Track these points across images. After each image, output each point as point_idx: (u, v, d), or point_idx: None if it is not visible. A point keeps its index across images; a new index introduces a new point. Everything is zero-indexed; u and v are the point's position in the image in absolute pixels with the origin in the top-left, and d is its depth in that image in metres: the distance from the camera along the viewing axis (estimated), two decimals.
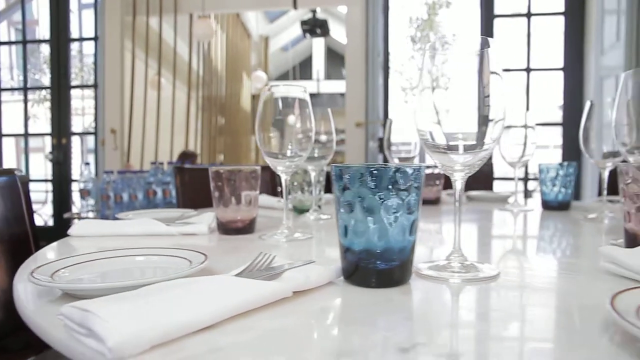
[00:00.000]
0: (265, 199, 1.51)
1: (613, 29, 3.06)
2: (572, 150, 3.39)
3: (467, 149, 0.59)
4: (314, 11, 6.06)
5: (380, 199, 0.51)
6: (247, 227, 0.99)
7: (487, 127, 0.58)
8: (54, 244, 0.87)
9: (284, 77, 10.79)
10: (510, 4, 3.70)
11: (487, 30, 3.43)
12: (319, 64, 10.74)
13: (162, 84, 5.63)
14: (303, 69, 10.82)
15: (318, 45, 10.63)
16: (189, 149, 5.40)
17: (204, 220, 1.04)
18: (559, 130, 3.59)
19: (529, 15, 3.43)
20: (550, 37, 3.64)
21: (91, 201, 3.07)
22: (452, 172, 0.60)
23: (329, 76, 10.41)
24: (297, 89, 0.90)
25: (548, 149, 4.63)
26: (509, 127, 1.50)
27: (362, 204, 0.52)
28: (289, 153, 0.91)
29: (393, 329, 0.40)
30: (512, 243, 0.93)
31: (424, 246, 0.87)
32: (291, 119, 0.89)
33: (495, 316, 0.45)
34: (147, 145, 5.41)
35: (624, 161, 0.96)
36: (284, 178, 0.92)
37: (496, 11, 3.43)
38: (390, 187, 0.51)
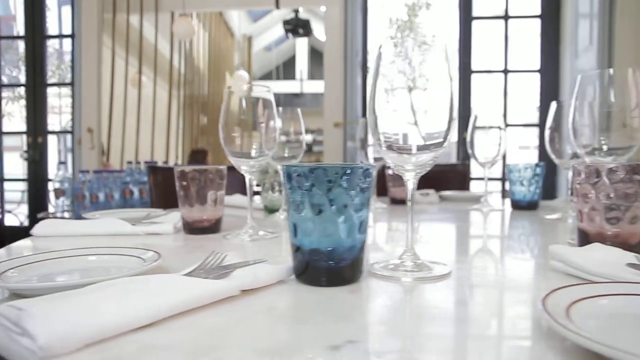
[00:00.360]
0: (238, 199, 1.51)
1: (586, 32, 3.12)
2: (559, 152, 3.44)
3: (423, 148, 0.60)
4: (296, 11, 6.05)
5: (328, 198, 0.51)
6: (212, 227, 0.98)
7: (450, 127, 0.59)
8: (13, 244, 0.86)
9: (267, 76, 10.76)
10: (488, 6, 3.74)
11: (465, 32, 3.46)
12: (302, 64, 10.74)
13: (143, 82, 5.57)
14: (287, 69, 10.80)
15: (301, 45, 10.62)
16: (199, 146, 5.36)
17: (170, 220, 1.03)
18: (536, 131, 3.65)
19: (506, 17, 3.48)
20: (527, 40, 3.69)
21: (67, 201, 3.03)
22: (404, 172, 0.60)
23: (312, 76, 10.41)
24: (262, 89, 0.90)
25: (529, 149, 4.70)
26: (482, 127, 1.52)
27: (310, 203, 0.52)
28: (253, 153, 0.91)
29: (329, 327, 0.41)
30: (472, 242, 0.94)
31: (390, 245, 0.88)
32: (255, 118, 0.89)
33: (433, 314, 0.46)
34: (127, 145, 5.35)
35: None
36: (248, 178, 0.92)
37: (474, 13, 3.47)
38: (338, 186, 0.51)
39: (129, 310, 0.40)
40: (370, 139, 1.56)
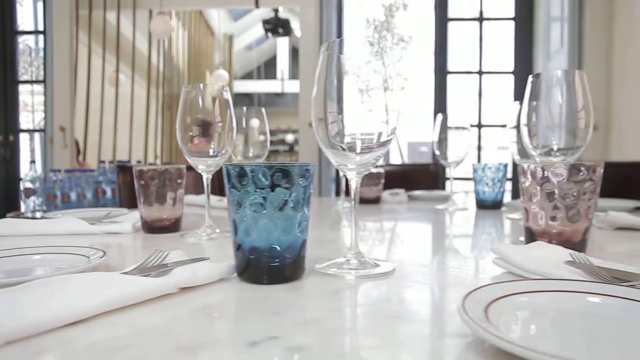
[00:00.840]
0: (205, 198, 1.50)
1: (558, 35, 3.18)
2: (525, 151, 3.50)
3: (366, 148, 0.60)
4: (276, 10, 6.04)
5: (266, 197, 0.52)
6: (171, 226, 0.98)
7: (386, 130, 0.60)
8: None
9: (248, 76, 10.71)
10: (463, 8, 3.78)
11: (441, 33, 3.50)
12: (283, 64, 10.71)
13: (121, 81, 5.50)
14: (268, 68, 10.77)
15: (282, 45, 10.60)
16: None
17: (130, 219, 1.03)
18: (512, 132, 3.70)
19: (481, 19, 3.52)
20: (502, 42, 3.74)
21: (38, 200, 2.98)
22: (346, 171, 0.61)
23: (293, 76, 10.40)
24: (218, 88, 0.90)
25: (508, 150, 4.76)
26: (449, 128, 1.53)
27: (248, 202, 0.52)
28: (211, 152, 0.91)
29: (255, 324, 0.41)
30: (426, 240, 0.95)
31: (343, 244, 0.88)
32: (212, 117, 0.89)
33: (365, 310, 0.46)
34: (104, 144, 5.28)
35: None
36: (205, 177, 0.92)
37: (450, 15, 3.50)
38: (275, 185, 0.52)
39: (54, 308, 0.40)
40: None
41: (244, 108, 1.21)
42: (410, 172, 2.20)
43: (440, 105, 3.49)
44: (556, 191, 0.69)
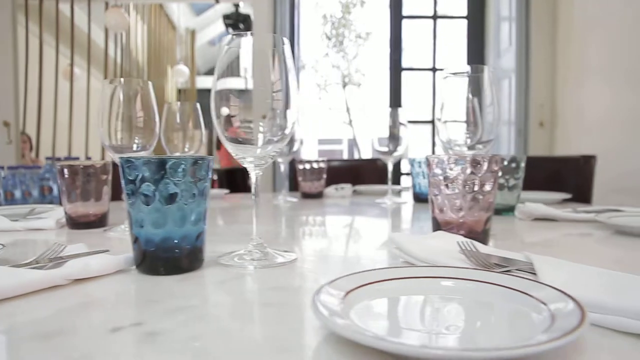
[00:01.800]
0: None
1: (507, 34, 3.27)
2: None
3: (268, 142, 0.62)
4: (237, 5, 5.99)
5: (158, 189, 0.53)
6: (97, 222, 0.98)
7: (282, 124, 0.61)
8: None
9: (212, 71, 10.54)
10: (418, 6, 3.84)
11: (396, 30, 3.55)
12: (246, 60, 10.60)
13: (77, 75, 5.36)
14: (232, 64, 10.62)
15: (247, 41, 10.49)
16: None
17: (54, 215, 1.01)
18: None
19: (434, 17, 3.59)
20: (455, 39, 3.82)
21: None
22: (245, 164, 0.62)
23: None
24: (138, 82, 0.90)
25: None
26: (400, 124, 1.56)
27: (141, 194, 0.53)
28: (134, 147, 0.91)
29: (126, 312, 0.42)
30: (345, 232, 0.97)
31: (265, 237, 0.90)
32: (134, 112, 0.89)
33: (247, 298, 0.48)
34: (59, 140, 5.13)
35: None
36: None
37: (404, 12, 3.56)
38: (167, 178, 0.53)
39: None
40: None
41: (178, 103, 1.21)
42: (359, 166, 2.23)
43: (396, 101, 3.55)
44: (458, 182, 0.72)
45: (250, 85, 0.62)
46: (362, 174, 2.16)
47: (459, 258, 0.57)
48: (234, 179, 3.71)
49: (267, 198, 1.69)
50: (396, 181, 2.45)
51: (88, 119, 5.36)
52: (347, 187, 1.73)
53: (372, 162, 2.24)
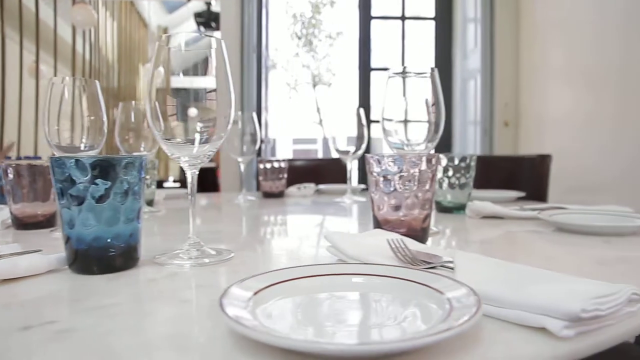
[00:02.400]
0: None
1: (472, 35, 3.34)
2: (443, 145, 3.65)
3: (205, 142, 0.63)
4: (208, 4, 5.95)
5: (87, 189, 0.53)
6: (45, 222, 0.96)
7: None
8: None
9: (186, 71, 10.44)
10: (386, 6, 3.88)
11: (365, 30, 3.58)
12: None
13: (43, 72, 5.24)
14: (206, 63, 10.54)
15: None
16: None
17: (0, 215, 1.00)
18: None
19: (403, 18, 3.63)
20: (423, 40, 3.88)
21: None
22: (181, 163, 0.63)
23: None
24: (84, 80, 0.89)
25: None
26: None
27: (70, 194, 0.53)
28: (82, 147, 0.90)
29: (42, 311, 0.43)
30: (290, 231, 0.98)
31: (216, 235, 0.90)
32: (80, 111, 0.89)
33: (159, 296, 0.48)
34: (24, 140, 5.01)
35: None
36: None
37: (373, 13, 3.59)
38: (96, 177, 0.53)
39: None
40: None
41: (133, 102, 1.20)
42: (322, 166, 2.25)
43: (365, 101, 3.58)
44: (396, 181, 0.74)
45: (187, 85, 0.63)
46: (328, 173, 2.17)
47: (389, 256, 0.59)
48: (205, 179, 3.69)
49: (229, 197, 1.69)
50: (364, 180, 2.47)
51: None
52: (310, 187, 1.74)
53: (337, 161, 2.26)
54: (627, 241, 0.77)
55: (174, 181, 8.16)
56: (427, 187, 0.75)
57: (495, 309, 0.39)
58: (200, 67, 0.64)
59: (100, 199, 0.54)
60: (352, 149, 1.54)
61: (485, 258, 0.54)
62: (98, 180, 0.53)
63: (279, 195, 1.61)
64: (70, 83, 0.89)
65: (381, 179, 0.75)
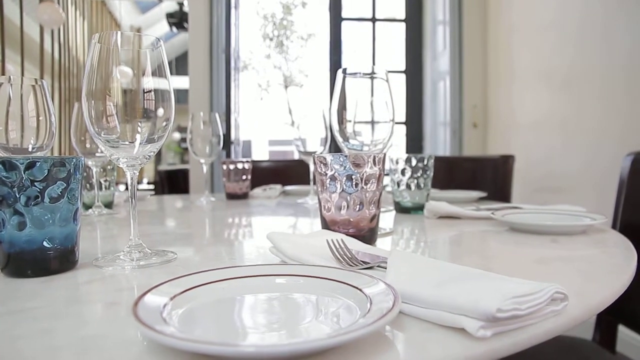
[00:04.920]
0: None
1: (442, 37, 3.39)
2: (414, 147, 3.69)
3: (149, 141, 0.62)
4: (180, 4, 5.89)
5: (17, 190, 0.52)
6: None
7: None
8: None
9: (158, 71, 10.29)
10: (357, 8, 3.91)
11: (335, 32, 3.60)
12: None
13: (10, 71, 5.11)
14: (180, 64, 10.43)
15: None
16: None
17: None
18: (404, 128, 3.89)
19: (373, 20, 3.66)
20: (394, 42, 3.91)
21: None
22: (120, 164, 0.62)
23: None
24: (32, 80, 0.87)
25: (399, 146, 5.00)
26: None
27: (1, 195, 0.52)
28: (30, 147, 0.88)
29: None
30: (240, 232, 0.98)
31: (170, 237, 0.90)
32: (26, 111, 0.87)
33: (85, 299, 0.48)
34: None
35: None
36: None
37: (344, 14, 3.61)
38: (26, 179, 0.52)
39: None
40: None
41: (75, 104, 1.18)
42: (290, 167, 2.25)
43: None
44: (342, 181, 0.74)
45: (125, 85, 0.62)
46: (295, 175, 2.18)
47: (328, 256, 0.59)
48: (176, 180, 3.65)
49: (193, 199, 1.68)
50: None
51: (22, 120, 5.11)
52: (276, 188, 1.74)
53: (305, 163, 2.26)
54: (573, 240, 0.78)
55: (148, 183, 8.04)
56: (374, 187, 0.75)
57: (418, 309, 0.39)
58: (139, 67, 0.63)
59: (31, 201, 0.53)
60: (321, 149, 1.55)
61: (419, 257, 0.54)
62: (29, 182, 0.52)
63: (243, 196, 1.61)
64: (18, 82, 0.87)
65: (328, 179, 0.75)
